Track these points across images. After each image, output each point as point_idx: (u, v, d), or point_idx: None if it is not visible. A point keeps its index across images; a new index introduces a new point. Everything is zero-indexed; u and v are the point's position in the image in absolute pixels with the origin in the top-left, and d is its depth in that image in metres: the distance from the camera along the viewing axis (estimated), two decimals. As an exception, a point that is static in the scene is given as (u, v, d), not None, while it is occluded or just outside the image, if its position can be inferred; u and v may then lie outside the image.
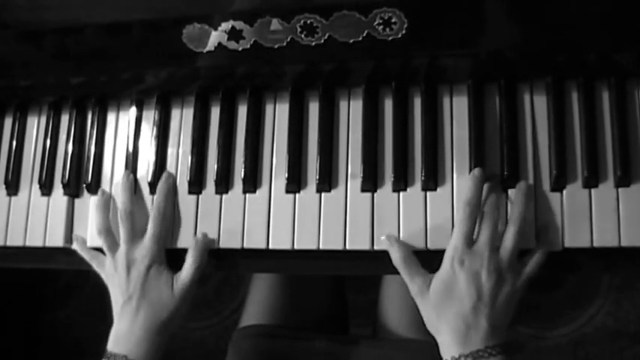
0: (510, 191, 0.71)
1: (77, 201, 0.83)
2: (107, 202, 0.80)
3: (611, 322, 1.49)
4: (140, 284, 0.74)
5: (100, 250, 0.79)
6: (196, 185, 0.79)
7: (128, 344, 0.73)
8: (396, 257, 0.70)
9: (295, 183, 0.76)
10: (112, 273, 0.76)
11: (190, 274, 0.75)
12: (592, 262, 0.71)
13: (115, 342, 0.74)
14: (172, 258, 0.77)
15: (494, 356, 0.63)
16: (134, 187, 0.80)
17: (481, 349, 0.63)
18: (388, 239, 0.72)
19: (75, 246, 0.80)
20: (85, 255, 0.80)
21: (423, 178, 0.73)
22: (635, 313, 1.47)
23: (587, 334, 1.49)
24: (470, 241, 0.67)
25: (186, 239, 0.77)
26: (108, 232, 0.78)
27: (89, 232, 0.81)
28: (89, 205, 0.82)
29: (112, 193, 0.81)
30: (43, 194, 0.84)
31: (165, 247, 0.77)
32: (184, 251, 0.77)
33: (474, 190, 0.69)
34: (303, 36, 0.70)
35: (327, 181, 0.75)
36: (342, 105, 0.78)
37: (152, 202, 0.79)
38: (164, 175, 0.79)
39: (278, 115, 0.79)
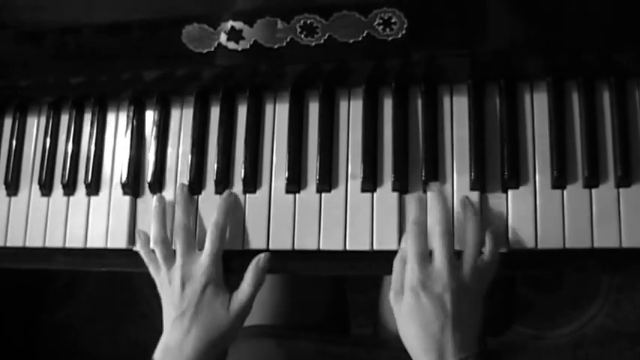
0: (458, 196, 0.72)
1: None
2: (163, 210, 0.78)
3: (610, 322, 1.49)
4: (195, 303, 0.72)
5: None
6: (196, 185, 0.78)
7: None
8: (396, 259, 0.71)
9: (295, 183, 0.76)
10: (167, 285, 0.75)
11: (248, 294, 0.74)
12: (593, 263, 0.71)
13: (162, 354, 0.72)
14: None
15: None
16: (189, 198, 0.78)
17: None
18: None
19: (137, 245, 0.78)
20: (145, 257, 0.77)
21: (423, 178, 0.73)
22: (636, 314, 1.47)
23: (587, 334, 1.49)
24: (425, 259, 0.68)
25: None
26: (164, 242, 0.76)
27: (89, 233, 0.81)
28: (89, 205, 0.82)
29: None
30: (42, 194, 0.84)
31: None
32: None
33: (419, 209, 0.70)
34: (303, 36, 0.70)
35: (327, 182, 0.75)
36: (342, 105, 0.78)
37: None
38: (225, 193, 0.77)
39: (278, 115, 0.79)
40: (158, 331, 0.74)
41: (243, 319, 0.75)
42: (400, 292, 0.68)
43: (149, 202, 0.80)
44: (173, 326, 0.73)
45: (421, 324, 0.66)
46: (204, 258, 0.74)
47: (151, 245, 0.77)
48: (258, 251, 0.75)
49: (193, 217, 0.78)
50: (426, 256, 0.68)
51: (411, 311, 0.67)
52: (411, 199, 0.72)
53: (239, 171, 0.78)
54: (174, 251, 0.76)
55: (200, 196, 0.78)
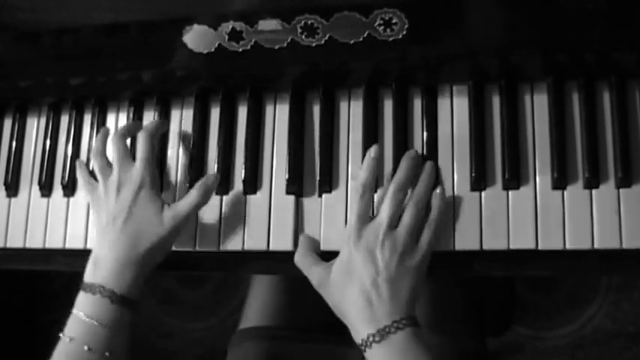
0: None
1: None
2: (107, 133, 0.80)
3: (609, 323, 1.49)
4: (128, 205, 0.72)
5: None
6: (196, 186, 0.78)
7: (106, 272, 0.70)
8: (295, 258, 0.72)
9: (296, 184, 0.76)
10: (102, 196, 0.74)
11: (188, 206, 0.73)
12: (593, 264, 0.71)
13: (92, 271, 0.72)
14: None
15: (401, 330, 0.63)
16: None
17: (388, 324, 0.63)
18: (302, 237, 0.74)
19: (77, 171, 0.81)
20: (82, 177, 0.79)
21: (423, 178, 0.73)
22: (634, 314, 1.47)
23: (585, 335, 1.49)
24: (365, 221, 0.68)
25: (185, 242, 0.77)
26: (102, 155, 0.77)
27: (89, 234, 0.81)
28: (89, 206, 0.81)
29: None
30: (42, 195, 0.84)
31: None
32: (183, 254, 0.77)
33: (366, 172, 0.71)
34: (303, 37, 0.70)
35: (328, 182, 0.75)
36: (343, 106, 0.78)
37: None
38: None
39: (278, 116, 0.79)
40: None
41: (175, 233, 0.73)
42: (324, 277, 0.69)
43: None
44: (103, 234, 0.72)
45: (354, 281, 0.66)
46: (137, 162, 0.75)
47: (91, 158, 0.78)
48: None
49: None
50: (365, 217, 0.69)
51: (344, 268, 0.67)
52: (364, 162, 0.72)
53: (239, 172, 0.78)
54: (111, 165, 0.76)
55: (200, 197, 0.78)
